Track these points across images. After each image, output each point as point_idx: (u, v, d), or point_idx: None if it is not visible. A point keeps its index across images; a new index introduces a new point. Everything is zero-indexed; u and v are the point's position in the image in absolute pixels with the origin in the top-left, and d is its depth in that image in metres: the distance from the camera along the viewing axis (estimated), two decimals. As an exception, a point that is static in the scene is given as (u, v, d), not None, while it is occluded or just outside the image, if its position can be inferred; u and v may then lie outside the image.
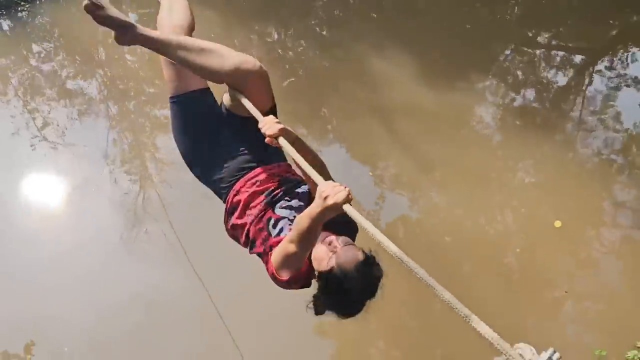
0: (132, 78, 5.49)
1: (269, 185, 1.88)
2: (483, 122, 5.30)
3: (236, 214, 1.88)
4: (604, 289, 3.83)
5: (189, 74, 1.89)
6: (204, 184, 2.01)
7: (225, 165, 1.92)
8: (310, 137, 4.86)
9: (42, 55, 5.80)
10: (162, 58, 1.91)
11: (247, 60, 1.75)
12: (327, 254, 1.62)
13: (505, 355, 1.02)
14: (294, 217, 1.78)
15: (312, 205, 1.49)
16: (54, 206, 4.21)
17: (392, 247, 1.33)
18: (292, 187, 1.90)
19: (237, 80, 1.77)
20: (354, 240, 1.79)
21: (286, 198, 1.86)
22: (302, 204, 1.84)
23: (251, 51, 5.88)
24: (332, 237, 1.66)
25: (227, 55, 1.74)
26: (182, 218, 4.09)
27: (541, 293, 3.79)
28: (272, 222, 1.81)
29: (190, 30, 2.01)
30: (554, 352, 0.96)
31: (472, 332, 1.17)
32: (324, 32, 6.17)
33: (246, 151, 1.93)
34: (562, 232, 4.08)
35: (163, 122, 4.96)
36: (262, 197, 1.86)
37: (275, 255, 1.66)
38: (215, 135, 1.95)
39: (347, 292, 1.59)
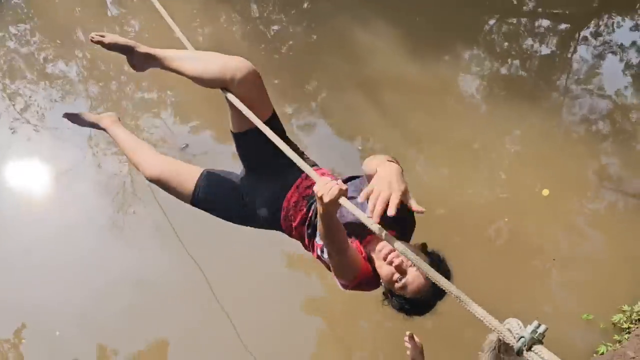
0: (112, 59, 5.36)
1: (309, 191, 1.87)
2: (469, 93, 5.29)
3: (296, 220, 1.87)
4: (590, 255, 3.90)
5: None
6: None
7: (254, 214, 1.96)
8: (296, 113, 4.83)
9: (18, 36, 5.66)
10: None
11: (232, 59, 1.73)
12: (390, 274, 1.59)
13: (495, 332, 1.02)
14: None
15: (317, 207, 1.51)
16: (39, 190, 4.16)
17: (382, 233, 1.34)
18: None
19: (225, 82, 1.73)
20: (410, 236, 1.79)
21: None
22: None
23: (233, 28, 5.78)
24: (390, 253, 1.60)
25: (215, 58, 1.77)
26: (168, 198, 4.04)
27: (530, 261, 3.85)
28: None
29: None
30: (538, 325, 0.96)
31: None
32: (305, 5, 6.07)
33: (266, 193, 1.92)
34: (550, 201, 4.12)
35: (145, 103, 4.89)
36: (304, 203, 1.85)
37: (334, 269, 1.65)
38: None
39: (421, 308, 1.65)
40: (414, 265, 1.35)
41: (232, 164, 1.84)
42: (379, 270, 1.63)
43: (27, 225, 3.90)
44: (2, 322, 3.42)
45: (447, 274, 1.60)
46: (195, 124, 4.74)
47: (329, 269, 1.71)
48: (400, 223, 1.68)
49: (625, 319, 3.38)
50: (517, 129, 4.85)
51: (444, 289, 1.15)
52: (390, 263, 1.58)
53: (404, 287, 1.57)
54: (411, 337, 2.00)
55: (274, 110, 1.88)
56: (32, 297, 3.49)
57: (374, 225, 1.34)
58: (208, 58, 1.78)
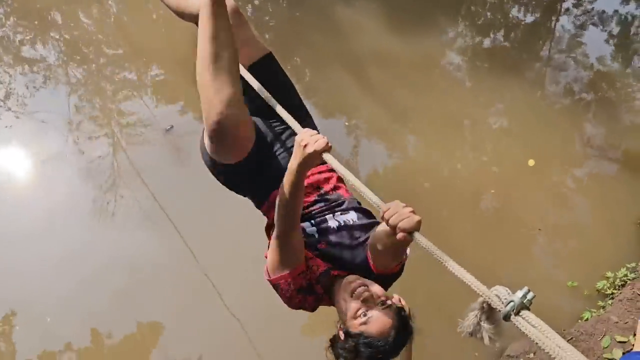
0: (90, 41, 5.27)
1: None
2: (453, 66, 5.29)
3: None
4: (574, 224, 3.96)
5: None
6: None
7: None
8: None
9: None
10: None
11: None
12: (356, 308, 1.45)
13: (482, 297, 1.04)
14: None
15: (291, 159, 1.43)
16: (23, 178, 4.10)
17: (373, 198, 1.33)
18: (323, 211, 1.74)
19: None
20: (388, 288, 1.62)
21: (312, 221, 1.71)
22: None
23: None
24: (360, 287, 1.47)
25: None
26: (154, 180, 4.04)
27: (516, 231, 3.90)
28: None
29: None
30: (528, 290, 0.98)
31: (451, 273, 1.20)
32: (288, -18, 5.99)
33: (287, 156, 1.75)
34: (535, 171, 4.17)
35: (125, 85, 4.82)
36: None
37: (267, 254, 1.52)
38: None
39: (378, 356, 1.46)
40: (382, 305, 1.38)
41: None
42: (343, 303, 1.48)
43: (12, 213, 3.86)
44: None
45: (408, 332, 1.48)
46: (178, 105, 4.69)
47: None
48: (385, 282, 1.61)
49: (608, 285, 3.45)
50: (502, 101, 4.87)
51: (431, 252, 1.16)
52: (359, 297, 1.45)
53: (366, 322, 1.42)
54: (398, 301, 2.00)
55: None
56: (21, 285, 3.47)
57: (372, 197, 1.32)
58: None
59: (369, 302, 1.44)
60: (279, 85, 1.81)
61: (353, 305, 1.45)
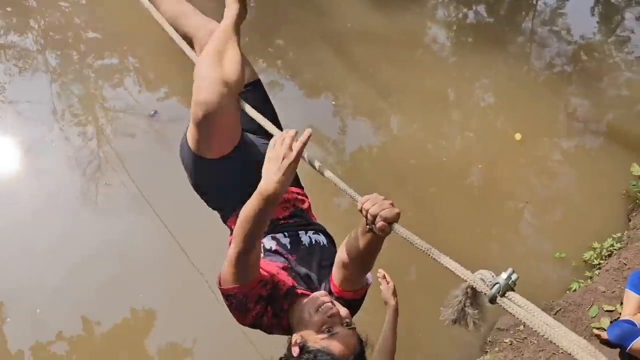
0: (69, 26, 5.17)
1: (278, 214, 1.72)
2: (437, 42, 5.26)
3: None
4: (561, 196, 4.00)
5: None
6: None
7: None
8: (265, 71, 4.74)
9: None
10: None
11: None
12: (321, 322, 1.36)
13: (467, 282, 1.05)
14: (284, 264, 1.58)
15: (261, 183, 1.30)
16: (6, 168, 4.04)
17: (349, 190, 1.34)
18: (298, 225, 1.73)
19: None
20: (355, 313, 1.56)
21: (285, 232, 1.69)
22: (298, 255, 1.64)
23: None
24: (328, 302, 1.40)
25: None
26: (140, 166, 4.01)
27: (503, 206, 3.93)
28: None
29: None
30: (512, 272, 0.99)
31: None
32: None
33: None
34: (521, 145, 4.19)
35: (107, 71, 4.74)
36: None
37: (224, 264, 1.42)
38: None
39: None
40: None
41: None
42: (306, 316, 1.39)
43: (-3, 205, 3.82)
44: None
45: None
46: (162, 90, 4.63)
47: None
48: (353, 307, 1.55)
49: (595, 255, 3.50)
50: (486, 75, 4.87)
51: (412, 242, 1.16)
52: (325, 312, 1.36)
53: (329, 338, 1.32)
54: (383, 277, 2.01)
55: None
56: (8, 276, 3.45)
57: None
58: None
59: (334, 319, 1.36)
60: (267, 111, 1.78)
61: (318, 319, 1.36)
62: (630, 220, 3.69)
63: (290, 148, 1.29)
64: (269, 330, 1.48)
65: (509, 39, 5.26)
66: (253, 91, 1.83)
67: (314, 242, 1.69)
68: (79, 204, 3.85)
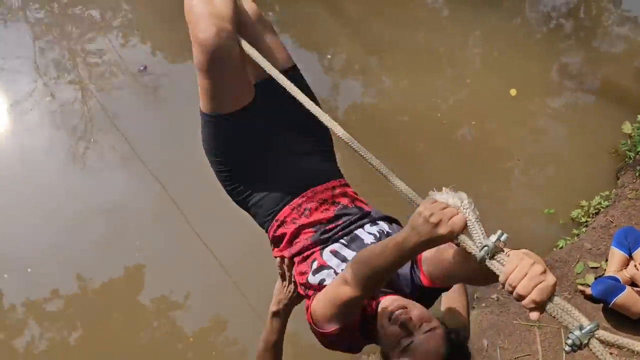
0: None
1: (321, 217, 1.53)
2: (430, -5, 5.14)
3: (280, 246, 1.57)
4: (552, 154, 3.99)
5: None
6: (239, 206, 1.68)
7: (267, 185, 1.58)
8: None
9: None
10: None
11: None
12: (397, 332, 1.26)
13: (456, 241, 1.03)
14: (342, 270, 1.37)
15: (404, 233, 1.07)
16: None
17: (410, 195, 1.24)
18: (350, 224, 1.53)
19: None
20: (433, 303, 1.43)
21: (342, 240, 1.49)
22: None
23: None
24: (398, 309, 1.28)
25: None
26: (128, 123, 3.95)
27: (495, 162, 3.93)
28: (314, 265, 1.46)
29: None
30: (502, 233, 0.98)
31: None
32: None
33: (293, 163, 1.58)
34: (514, 102, 4.16)
35: (90, 26, 4.60)
36: (310, 231, 1.52)
37: (320, 299, 1.31)
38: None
39: None
40: None
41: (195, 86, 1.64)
42: (381, 330, 1.30)
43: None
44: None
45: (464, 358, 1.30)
46: (149, 44, 4.52)
47: (306, 308, 1.40)
48: (431, 296, 1.41)
49: (583, 213, 3.53)
50: (480, 31, 4.78)
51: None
52: (396, 322, 1.25)
53: (406, 351, 1.23)
54: None
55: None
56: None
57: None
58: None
59: (409, 325, 1.24)
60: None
61: (391, 331, 1.26)
62: (618, 179, 3.71)
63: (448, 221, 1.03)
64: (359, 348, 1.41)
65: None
66: (292, 79, 1.49)
67: (377, 234, 1.50)
68: (67, 162, 3.81)
